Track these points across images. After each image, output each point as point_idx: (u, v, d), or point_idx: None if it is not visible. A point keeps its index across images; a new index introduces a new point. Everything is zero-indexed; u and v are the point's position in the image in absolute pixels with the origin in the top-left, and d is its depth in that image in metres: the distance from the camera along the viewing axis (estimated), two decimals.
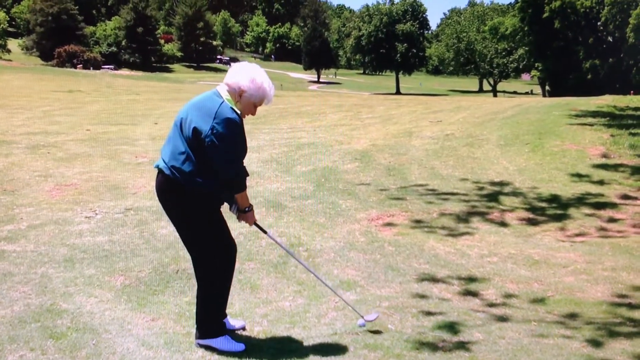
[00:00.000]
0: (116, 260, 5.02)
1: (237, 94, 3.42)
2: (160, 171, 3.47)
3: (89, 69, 60.14)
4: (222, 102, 3.36)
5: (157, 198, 3.60)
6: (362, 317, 3.90)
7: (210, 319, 3.59)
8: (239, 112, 3.40)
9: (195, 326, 3.65)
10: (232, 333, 3.72)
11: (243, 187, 3.49)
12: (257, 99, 3.45)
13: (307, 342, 3.71)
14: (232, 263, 3.64)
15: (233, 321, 3.86)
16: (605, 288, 4.81)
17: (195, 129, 3.31)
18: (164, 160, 3.44)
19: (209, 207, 3.48)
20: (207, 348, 3.54)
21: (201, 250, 3.54)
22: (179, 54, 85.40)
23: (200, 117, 3.33)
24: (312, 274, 4.18)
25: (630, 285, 4.86)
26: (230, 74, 3.48)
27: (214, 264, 3.53)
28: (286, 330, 3.89)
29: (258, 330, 3.88)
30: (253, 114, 3.55)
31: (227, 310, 3.81)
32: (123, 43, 78.01)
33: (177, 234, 5.32)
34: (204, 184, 3.36)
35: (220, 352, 3.50)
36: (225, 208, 3.60)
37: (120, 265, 4.89)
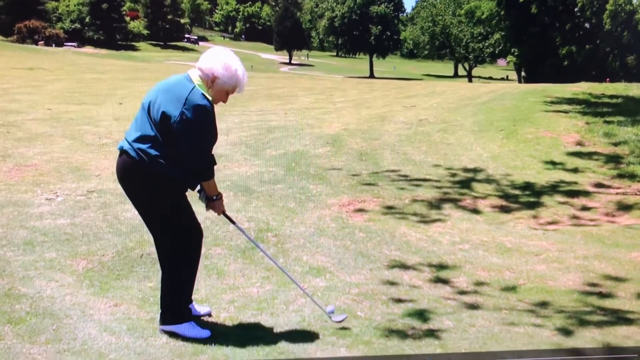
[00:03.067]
0: (78, 243, 4.88)
1: (210, 80, 3.32)
2: (124, 153, 3.35)
3: (51, 45, 58.84)
4: (194, 88, 3.26)
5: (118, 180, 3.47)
6: (329, 316, 3.79)
7: (175, 304, 3.50)
8: (210, 98, 3.30)
9: (159, 312, 3.57)
10: (197, 319, 3.65)
11: (210, 176, 3.39)
12: (230, 86, 3.36)
13: (274, 329, 3.66)
14: (198, 248, 3.57)
15: (198, 307, 3.78)
16: (576, 276, 4.83)
17: (164, 114, 3.21)
18: (129, 142, 3.32)
19: (174, 191, 3.38)
20: (171, 334, 3.47)
21: (166, 234, 3.45)
22: (145, 32, 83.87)
23: (169, 102, 3.23)
24: (276, 265, 4.10)
25: (602, 274, 4.89)
26: (204, 58, 3.37)
27: (178, 248, 3.45)
28: (253, 316, 3.83)
29: (224, 316, 3.82)
30: (224, 101, 3.45)
31: (193, 296, 3.72)
32: (87, 20, 76.18)
33: (141, 218, 5.20)
34: (170, 169, 3.27)
35: (185, 339, 3.44)
36: (192, 195, 3.49)
37: (82, 249, 4.76)
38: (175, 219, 3.43)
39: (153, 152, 3.25)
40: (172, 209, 3.41)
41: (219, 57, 3.34)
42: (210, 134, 3.32)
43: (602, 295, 4.47)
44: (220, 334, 3.52)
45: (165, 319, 3.50)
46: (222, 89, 3.35)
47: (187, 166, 3.29)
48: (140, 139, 3.28)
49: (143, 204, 3.44)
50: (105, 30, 75.74)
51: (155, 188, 3.32)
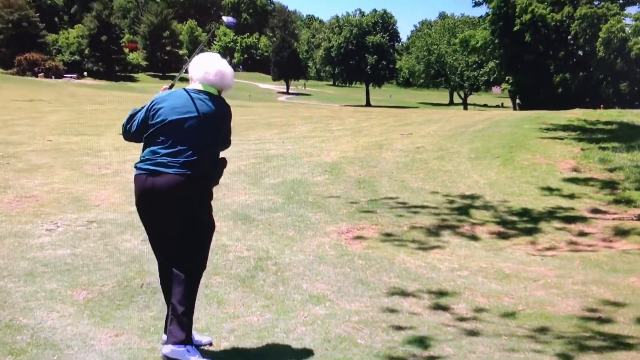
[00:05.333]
0: (79, 274, 4.87)
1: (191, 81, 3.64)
2: None
3: (51, 77, 59.28)
4: None
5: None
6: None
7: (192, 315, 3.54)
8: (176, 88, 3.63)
9: (160, 341, 3.55)
10: (198, 349, 3.60)
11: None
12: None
13: (275, 358, 3.63)
14: None
15: (199, 337, 3.76)
16: (575, 302, 4.84)
17: None
18: None
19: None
20: None
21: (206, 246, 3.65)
22: (144, 63, 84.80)
23: None
24: None
25: (600, 299, 4.90)
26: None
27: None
28: (254, 345, 3.80)
29: (225, 345, 3.79)
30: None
31: (194, 326, 3.68)
32: (86, 52, 77.13)
33: (141, 248, 5.21)
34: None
35: None
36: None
37: (83, 279, 4.75)
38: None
39: None
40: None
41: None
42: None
43: (601, 320, 4.46)
44: None
45: (187, 336, 3.44)
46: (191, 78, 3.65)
47: None
48: None
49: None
50: (104, 61, 76.55)
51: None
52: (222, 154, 3.66)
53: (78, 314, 4.13)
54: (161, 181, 3.37)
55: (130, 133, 3.64)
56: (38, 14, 74.55)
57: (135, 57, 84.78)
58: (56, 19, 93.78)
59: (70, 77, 65.33)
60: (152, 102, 3.56)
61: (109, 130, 14.56)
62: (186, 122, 3.44)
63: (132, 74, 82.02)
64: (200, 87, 3.56)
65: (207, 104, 3.50)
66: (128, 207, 6.80)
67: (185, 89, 3.58)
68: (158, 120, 3.48)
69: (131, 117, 3.63)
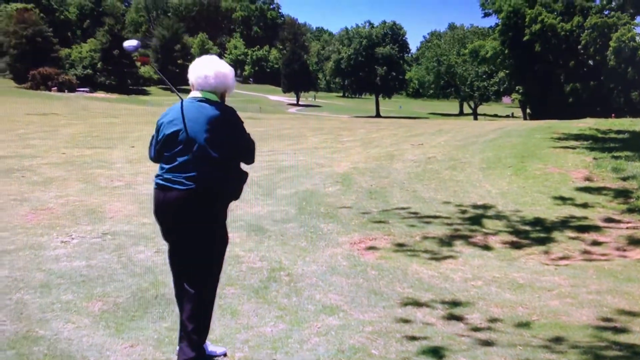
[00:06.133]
0: (94, 285, 4.91)
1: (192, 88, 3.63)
2: None
3: (64, 91, 59.87)
4: None
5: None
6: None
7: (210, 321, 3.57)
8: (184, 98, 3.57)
9: (175, 351, 3.56)
10: None
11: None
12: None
13: None
14: None
15: (213, 347, 3.77)
16: (590, 312, 4.80)
17: None
18: None
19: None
20: None
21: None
22: (155, 76, 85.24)
23: None
24: None
25: (615, 309, 4.86)
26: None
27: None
28: (268, 356, 3.80)
29: (239, 356, 3.79)
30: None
31: (208, 337, 3.71)
32: (99, 65, 77.88)
33: (155, 259, 5.23)
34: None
35: None
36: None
37: (98, 291, 4.78)
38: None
39: None
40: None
41: None
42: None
43: (616, 330, 4.43)
44: None
45: (202, 339, 3.51)
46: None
47: None
48: None
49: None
50: (116, 75, 77.18)
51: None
52: (246, 169, 3.66)
53: (93, 325, 4.16)
54: (169, 196, 3.38)
55: (152, 157, 3.66)
56: (51, 29, 75.53)
57: (147, 70, 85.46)
58: (69, 34, 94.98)
59: (83, 90, 65.96)
60: (157, 120, 3.56)
61: (122, 143, 14.68)
62: (182, 133, 3.39)
63: (144, 87, 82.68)
64: (199, 95, 3.53)
65: (203, 112, 3.42)
66: (141, 219, 6.87)
67: (184, 99, 3.55)
68: (161, 136, 3.48)
69: (152, 141, 3.64)
